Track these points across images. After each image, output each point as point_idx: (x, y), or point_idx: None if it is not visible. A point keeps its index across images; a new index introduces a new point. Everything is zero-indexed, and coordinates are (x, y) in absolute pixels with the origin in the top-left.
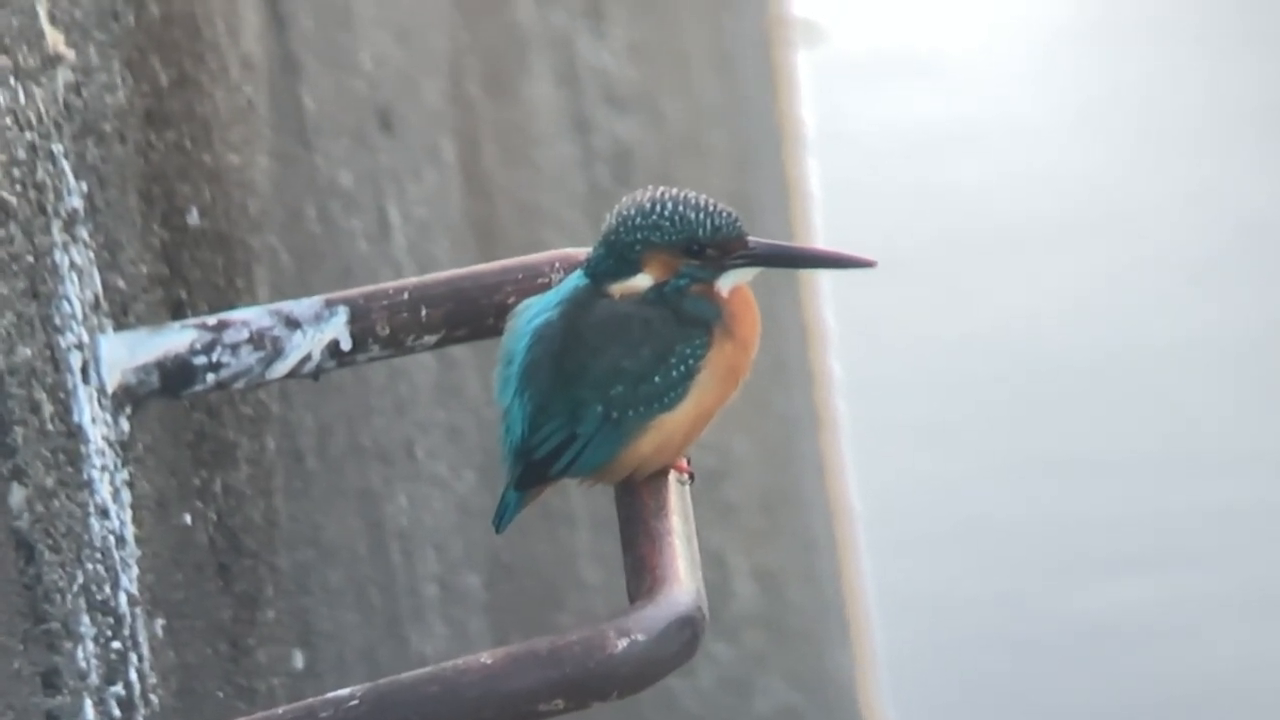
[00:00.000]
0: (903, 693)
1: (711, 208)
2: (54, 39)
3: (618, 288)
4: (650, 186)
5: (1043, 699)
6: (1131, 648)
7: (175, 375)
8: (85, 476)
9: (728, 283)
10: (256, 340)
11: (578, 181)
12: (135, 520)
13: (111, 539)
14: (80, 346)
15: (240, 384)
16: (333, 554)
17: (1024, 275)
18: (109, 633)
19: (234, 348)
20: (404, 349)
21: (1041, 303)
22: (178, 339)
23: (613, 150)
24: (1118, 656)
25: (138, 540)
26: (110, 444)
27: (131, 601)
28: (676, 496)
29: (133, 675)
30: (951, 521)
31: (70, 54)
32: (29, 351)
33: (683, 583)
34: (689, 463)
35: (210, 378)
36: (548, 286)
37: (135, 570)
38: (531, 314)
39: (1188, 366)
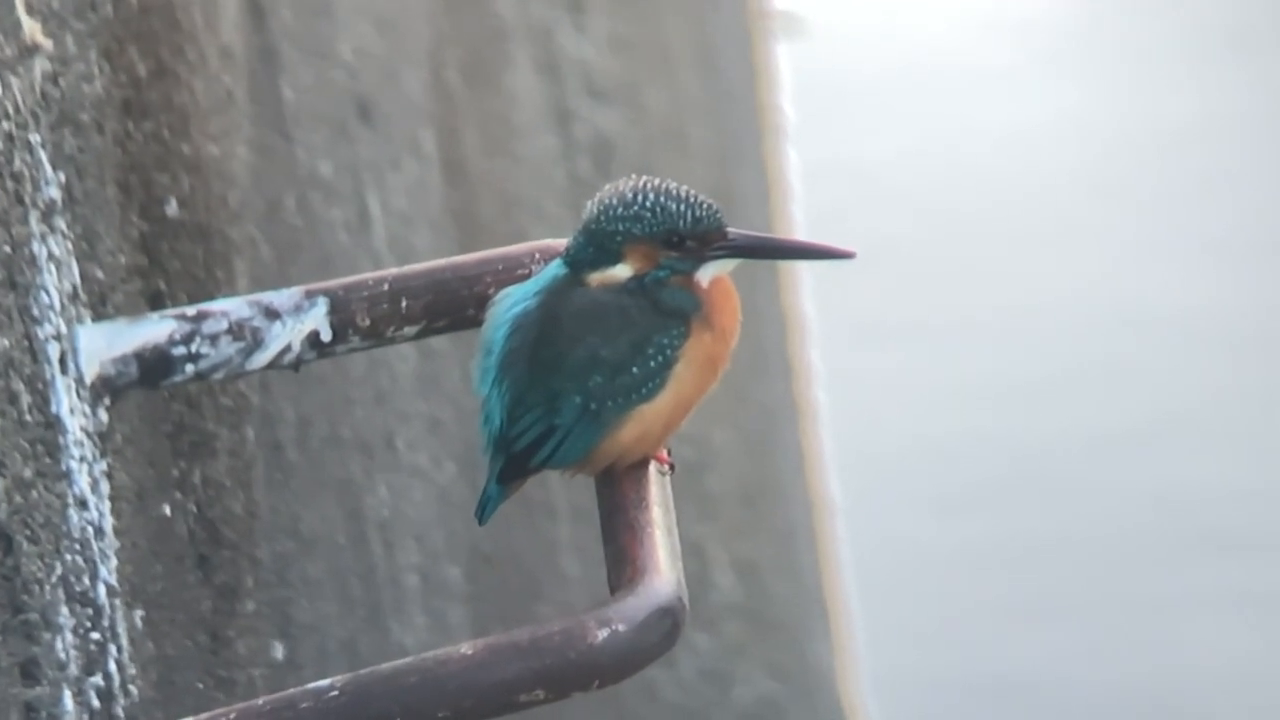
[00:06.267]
0: (882, 682)
1: (692, 199)
2: (31, 28)
3: (596, 277)
4: (632, 176)
5: (1022, 693)
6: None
7: (154, 366)
8: (64, 467)
9: (708, 274)
10: (236, 331)
11: (558, 173)
12: (114, 511)
13: (90, 530)
14: (58, 337)
15: (220, 375)
16: (313, 545)
17: (1023, 266)
18: (88, 624)
19: (213, 338)
20: (384, 340)
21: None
22: (156, 330)
23: (593, 141)
24: (1117, 639)
25: (116, 531)
26: (89, 435)
27: (110, 593)
28: (657, 487)
29: (112, 666)
30: (933, 510)
31: (48, 44)
32: (7, 342)
33: (663, 573)
34: (669, 454)
35: (189, 368)
36: (528, 277)
37: (114, 561)
38: (510, 303)
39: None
